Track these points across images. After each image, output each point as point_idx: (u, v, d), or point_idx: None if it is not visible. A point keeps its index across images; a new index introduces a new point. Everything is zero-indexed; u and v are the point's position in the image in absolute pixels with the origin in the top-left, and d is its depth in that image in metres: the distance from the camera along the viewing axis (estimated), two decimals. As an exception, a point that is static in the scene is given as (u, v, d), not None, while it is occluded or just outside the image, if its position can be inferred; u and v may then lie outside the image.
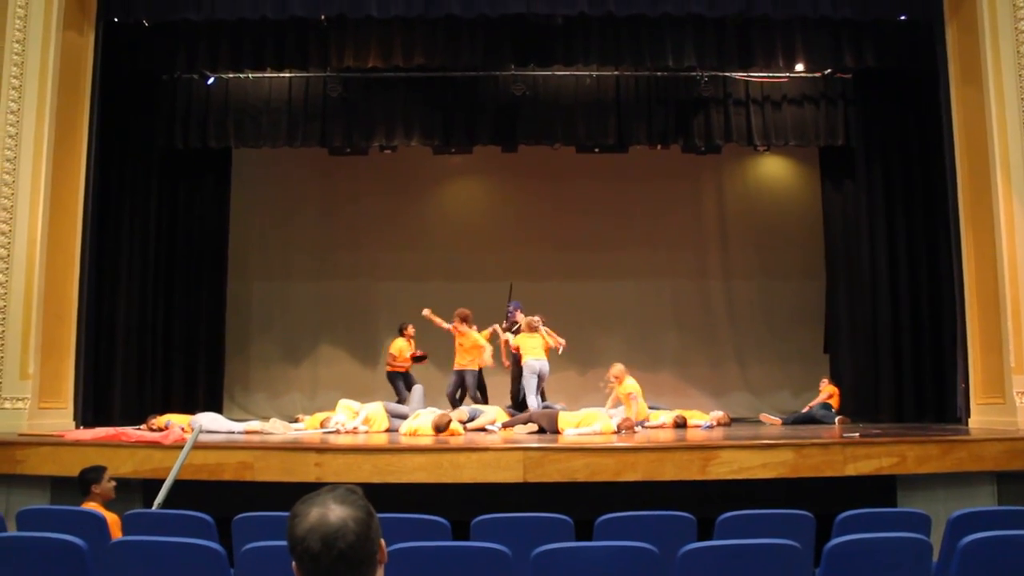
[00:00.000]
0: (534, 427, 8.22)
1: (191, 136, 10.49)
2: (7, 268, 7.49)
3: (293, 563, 1.70)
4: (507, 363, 9.82)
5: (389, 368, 10.10)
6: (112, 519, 4.52)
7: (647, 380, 11.24)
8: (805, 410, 10.08)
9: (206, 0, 8.28)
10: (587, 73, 10.42)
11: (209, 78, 10.37)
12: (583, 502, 5.92)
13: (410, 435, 7.66)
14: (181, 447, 5.71)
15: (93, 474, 4.95)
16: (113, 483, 5.04)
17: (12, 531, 4.44)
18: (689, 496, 5.86)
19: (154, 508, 4.75)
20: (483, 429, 8.38)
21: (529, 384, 9.24)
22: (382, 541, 1.76)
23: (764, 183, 12.53)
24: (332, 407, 8.88)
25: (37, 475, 6.47)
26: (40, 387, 7.54)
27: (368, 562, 1.71)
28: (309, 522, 1.68)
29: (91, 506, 4.78)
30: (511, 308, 10.05)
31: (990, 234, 7.75)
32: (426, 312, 9.71)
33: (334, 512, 1.69)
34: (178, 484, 4.86)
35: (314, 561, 1.67)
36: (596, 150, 11.18)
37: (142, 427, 7.97)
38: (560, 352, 9.78)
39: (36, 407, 7.47)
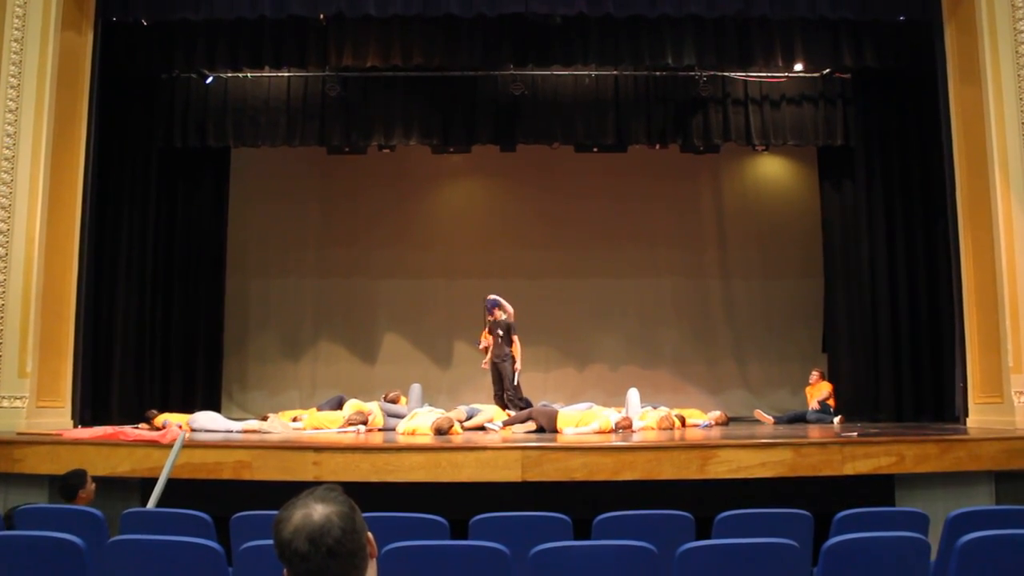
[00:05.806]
0: (533, 426, 8.22)
1: (190, 135, 10.48)
2: (5, 267, 7.48)
3: (284, 571, 1.70)
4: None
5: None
6: None
7: (645, 377, 11.30)
8: (812, 408, 10.03)
9: (204, -1, 8.28)
10: (586, 72, 10.39)
11: (208, 77, 10.36)
12: (581, 501, 5.93)
13: (408, 435, 7.67)
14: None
15: (77, 479, 4.90)
16: (94, 485, 5.01)
17: (10, 530, 4.43)
18: (687, 495, 5.85)
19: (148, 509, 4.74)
20: (481, 428, 8.38)
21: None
22: (370, 535, 1.76)
23: (763, 182, 12.53)
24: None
25: (35, 474, 6.47)
26: (38, 386, 7.53)
27: (359, 555, 1.71)
28: (294, 524, 1.69)
29: None
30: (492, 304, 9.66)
31: (989, 233, 7.75)
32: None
33: (317, 511, 1.70)
34: (176, 483, 4.86)
35: (304, 562, 1.67)
36: (595, 149, 11.16)
37: (140, 424, 7.97)
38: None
39: (34, 406, 7.46)
